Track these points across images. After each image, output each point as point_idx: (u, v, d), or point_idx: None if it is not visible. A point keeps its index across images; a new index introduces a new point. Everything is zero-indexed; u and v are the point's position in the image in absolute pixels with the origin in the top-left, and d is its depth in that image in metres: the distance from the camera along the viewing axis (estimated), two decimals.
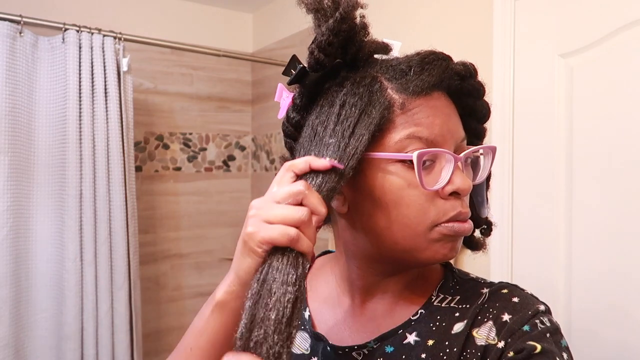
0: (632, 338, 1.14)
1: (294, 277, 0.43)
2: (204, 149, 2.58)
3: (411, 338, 0.55)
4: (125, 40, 1.80)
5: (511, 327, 0.51)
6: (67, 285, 1.66)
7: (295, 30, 2.34)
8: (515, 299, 0.55)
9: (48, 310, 1.69)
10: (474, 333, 0.53)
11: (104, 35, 1.75)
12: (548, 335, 0.51)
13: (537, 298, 0.57)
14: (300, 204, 0.45)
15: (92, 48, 1.72)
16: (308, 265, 0.45)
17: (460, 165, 0.52)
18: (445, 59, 0.53)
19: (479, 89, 0.57)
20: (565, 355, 0.50)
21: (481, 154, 0.57)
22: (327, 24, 0.51)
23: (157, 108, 2.43)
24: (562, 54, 1.28)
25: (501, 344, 0.51)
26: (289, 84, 0.56)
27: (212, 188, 2.61)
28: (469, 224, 0.53)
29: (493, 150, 0.56)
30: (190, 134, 2.54)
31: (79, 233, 1.68)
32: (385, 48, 0.56)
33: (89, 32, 1.72)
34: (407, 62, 0.53)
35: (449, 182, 0.50)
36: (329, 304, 0.63)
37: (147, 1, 2.40)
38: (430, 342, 0.54)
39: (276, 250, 0.45)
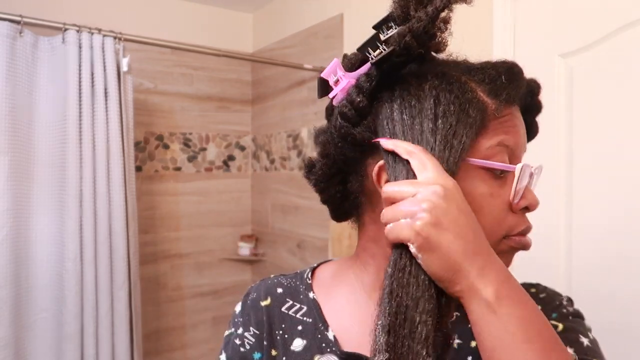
0: (633, 327, 1.14)
1: None
2: (204, 149, 2.58)
3: (454, 341, 0.54)
4: (125, 40, 1.80)
5: None
6: (67, 285, 1.66)
7: (295, 30, 2.34)
8: (542, 295, 0.58)
9: (48, 311, 1.69)
10: None
11: (104, 35, 1.75)
12: (571, 317, 0.54)
13: (560, 293, 0.59)
14: None
15: (92, 48, 1.72)
16: None
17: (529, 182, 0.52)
18: (523, 72, 0.52)
19: (540, 108, 0.57)
20: (590, 335, 0.51)
21: (537, 172, 0.56)
22: (426, 10, 0.46)
23: (157, 108, 2.43)
24: (562, 54, 1.28)
25: None
26: (374, 64, 0.50)
27: (212, 188, 2.61)
28: (530, 239, 0.53)
29: (541, 169, 0.56)
30: (190, 134, 2.54)
31: (79, 233, 1.68)
32: (443, 44, 0.53)
33: (89, 32, 1.72)
34: (493, 68, 0.51)
35: (522, 196, 0.50)
36: (356, 318, 0.57)
37: (147, 1, 2.40)
38: (474, 344, 0.53)
39: None
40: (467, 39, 1.48)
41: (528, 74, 0.56)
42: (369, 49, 0.49)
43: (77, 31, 1.70)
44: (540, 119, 0.61)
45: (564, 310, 0.55)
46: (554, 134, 1.29)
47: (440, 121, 0.47)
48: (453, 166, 0.46)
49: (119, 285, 1.76)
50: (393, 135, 0.49)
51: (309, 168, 0.58)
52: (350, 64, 0.53)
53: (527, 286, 0.60)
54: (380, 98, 0.50)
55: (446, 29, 0.50)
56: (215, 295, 2.63)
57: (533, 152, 1.44)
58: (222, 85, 2.63)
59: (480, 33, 1.46)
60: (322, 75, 0.53)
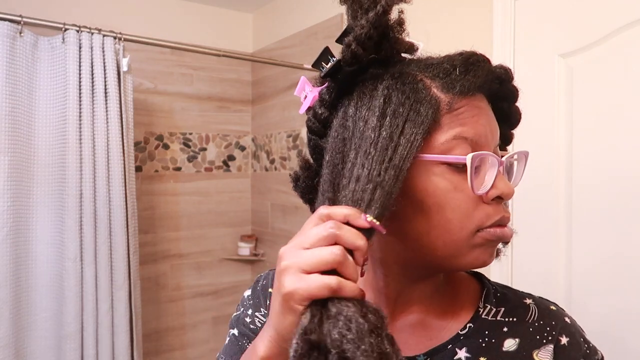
0: (630, 335, 1.14)
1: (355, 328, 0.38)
2: (204, 149, 2.58)
3: (462, 354, 0.53)
4: (125, 40, 1.80)
5: (569, 356, 0.53)
6: (67, 285, 1.66)
7: (295, 30, 2.34)
8: (567, 320, 0.57)
9: (48, 310, 1.69)
10: (535, 356, 0.53)
11: (104, 35, 1.75)
12: None
13: (581, 329, 0.59)
14: (335, 244, 0.41)
15: (92, 48, 1.72)
16: (361, 307, 0.40)
17: (501, 170, 0.50)
18: (486, 61, 0.51)
19: (515, 93, 0.56)
20: None
21: (515, 159, 0.55)
22: (367, 16, 0.47)
23: (157, 108, 2.43)
24: (562, 54, 1.28)
25: None
26: (323, 77, 0.52)
27: (212, 188, 2.61)
28: (510, 229, 0.51)
29: (526, 155, 0.55)
30: (190, 134, 2.54)
31: (79, 233, 1.68)
32: (411, 47, 0.53)
33: (89, 32, 1.72)
34: (449, 61, 0.50)
35: (492, 186, 0.49)
36: None
37: (147, 1, 2.40)
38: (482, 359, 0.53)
39: (318, 302, 0.40)
40: (467, 39, 1.49)
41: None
42: (322, 63, 0.51)
43: (77, 31, 1.70)
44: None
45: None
46: (553, 134, 1.29)
47: (387, 119, 0.46)
48: (400, 163, 0.45)
49: (119, 285, 1.76)
50: (340, 138, 0.49)
51: (295, 181, 0.59)
52: (320, 78, 0.54)
53: (546, 302, 0.59)
54: (340, 105, 0.51)
55: (402, 30, 0.50)
56: (215, 295, 2.63)
57: (532, 152, 1.45)
58: (222, 85, 2.63)
59: (480, 33, 1.47)
60: (295, 93, 0.55)
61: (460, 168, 0.48)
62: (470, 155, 0.47)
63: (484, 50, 0.51)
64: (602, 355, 0.56)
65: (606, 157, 1.19)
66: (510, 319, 0.55)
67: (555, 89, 1.29)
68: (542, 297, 0.60)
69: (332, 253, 0.40)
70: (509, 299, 0.58)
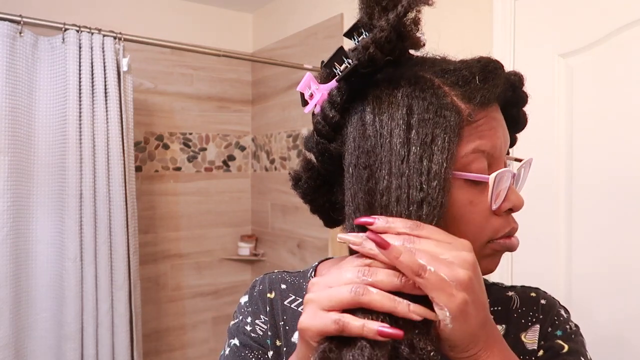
0: (630, 334, 1.14)
1: None
2: (204, 149, 2.59)
3: None
4: (125, 40, 1.80)
5: (544, 329, 0.56)
6: (67, 285, 1.66)
7: (295, 30, 2.34)
8: (543, 301, 0.59)
9: (48, 310, 1.69)
10: (523, 338, 0.56)
11: (104, 35, 1.75)
12: (573, 336, 0.56)
13: (559, 302, 0.61)
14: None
15: (92, 48, 1.72)
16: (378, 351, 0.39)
17: (512, 182, 0.50)
18: (502, 68, 0.50)
19: (525, 99, 0.56)
20: (588, 355, 0.55)
21: (523, 166, 0.55)
22: (387, 17, 0.44)
23: (157, 108, 2.43)
24: (562, 54, 1.28)
25: (536, 345, 0.56)
26: (337, 81, 0.49)
27: (212, 188, 2.61)
28: (517, 239, 0.52)
29: (530, 162, 0.56)
30: (190, 134, 2.54)
31: (79, 233, 1.68)
32: (418, 42, 0.51)
33: (89, 32, 1.72)
34: (467, 68, 0.48)
35: (505, 199, 0.49)
36: None
37: (147, 1, 2.40)
38: None
39: (332, 339, 0.40)
40: (467, 39, 1.49)
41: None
42: (335, 63, 0.49)
43: (77, 31, 1.70)
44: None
45: (568, 328, 0.56)
46: (553, 134, 1.29)
47: (414, 131, 0.44)
48: (441, 169, 0.43)
49: (119, 285, 1.76)
50: (358, 150, 0.47)
51: (295, 181, 0.58)
52: (326, 74, 0.52)
53: (527, 290, 0.61)
54: (354, 109, 0.49)
55: (417, 29, 0.48)
56: (215, 295, 2.63)
57: (532, 152, 1.44)
58: (222, 85, 2.63)
59: (480, 33, 1.47)
60: (298, 89, 0.52)
61: (476, 182, 0.47)
62: (493, 176, 0.47)
63: (484, 51, 0.51)
64: (574, 325, 0.58)
65: (606, 157, 1.19)
66: (495, 308, 0.59)
67: (555, 89, 1.29)
68: (524, 286, 0.63)
69: (349, 291, 0.40)
70: (493, 292, 0.61)
